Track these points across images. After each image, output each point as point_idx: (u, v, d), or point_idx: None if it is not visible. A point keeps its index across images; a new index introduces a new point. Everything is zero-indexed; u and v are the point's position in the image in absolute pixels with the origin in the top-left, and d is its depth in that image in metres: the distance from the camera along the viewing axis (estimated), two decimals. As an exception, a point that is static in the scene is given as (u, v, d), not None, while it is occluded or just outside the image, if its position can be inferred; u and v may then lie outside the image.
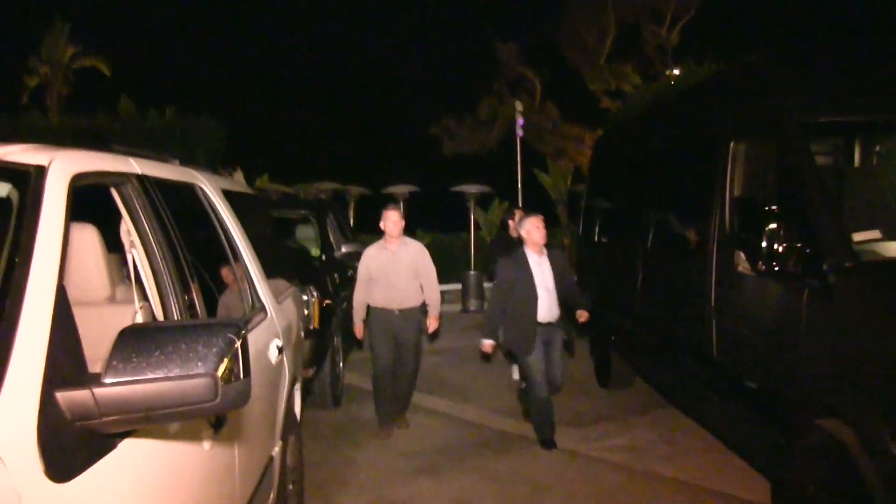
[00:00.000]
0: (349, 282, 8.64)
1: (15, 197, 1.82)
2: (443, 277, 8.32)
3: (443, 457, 5.74)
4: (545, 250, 6.01)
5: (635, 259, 6.54)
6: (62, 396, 1.47)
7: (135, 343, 1.57)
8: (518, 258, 5.91)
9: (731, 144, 4.78)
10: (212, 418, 2.29)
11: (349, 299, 8.82)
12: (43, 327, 1.52)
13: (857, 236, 3.76)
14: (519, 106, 17.87)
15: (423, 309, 6.39)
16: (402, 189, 15.79)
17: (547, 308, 5.84)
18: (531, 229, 5.92)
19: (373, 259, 6.26)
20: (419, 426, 6.52)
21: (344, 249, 8.64)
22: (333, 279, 7.83)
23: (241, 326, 1.67)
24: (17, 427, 1.34)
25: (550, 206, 19.87)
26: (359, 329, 6.44)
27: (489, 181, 17.58)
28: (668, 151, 6.22)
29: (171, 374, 1.54)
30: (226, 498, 2.48)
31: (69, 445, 1.47)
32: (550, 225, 19.83)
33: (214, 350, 1.58)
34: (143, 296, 2.40)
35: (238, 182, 6.47)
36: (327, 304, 6.87)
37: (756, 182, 4.54)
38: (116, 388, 1.51)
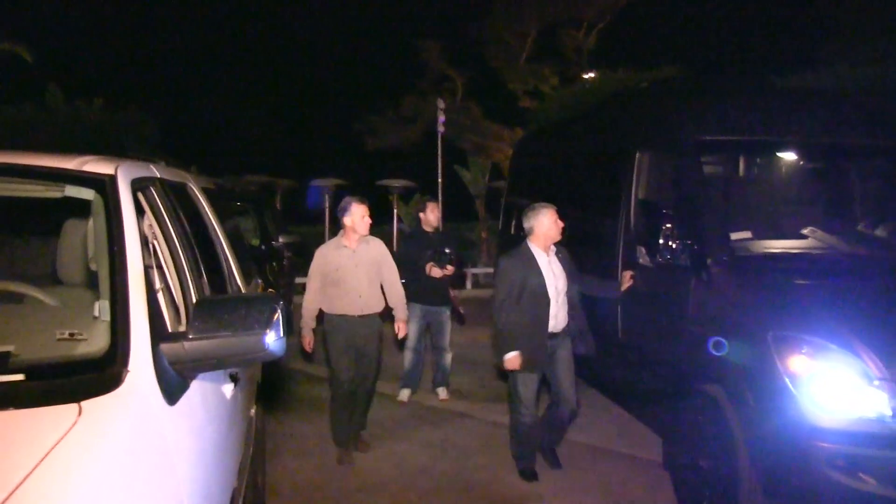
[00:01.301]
0: (285, 270, 9.18)
1: (97, 199, 2.38)
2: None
3: (381, 429, 6.37)
4: (554, 248, 5.15)
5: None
6: (164, 348, 2.05)
7: (208, 310, 2.16)
8: (524, 257, 5.03)
9: (637, 154, 5.57)
10: (235, 373, 2.89)
11: (286, 287, 9.36)
12: (142, 298, 2.10)
13: (734, 235, 4.58)
14: (441, 104, 18.54)
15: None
16: (328, 182, 16.27)
17: (555, 316, 5.02)
18: (550, 223, 5.03)
19: (330, 259, 5.45)
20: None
21: (281, 240, 9.17)
22: (273, 268, 8.36)
23: (280, 300, 2.29)
24: (144, 370, 1.93)
25: (470, 200, 20.72)
26: (308, 340, 5.52)
27: (411, 176, 18.26)
28: (583, 157, 6.98)
29: (235, 332, 2.14)
30: (242, 433, 3.08)
31: (171, 381, 2.05)
32: (470, 219, 20.60)
33: (265, 315, 2.18)
34: (163, 278, 2.96)
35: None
36: (270, 293, 7.41)
37: (656, 188, 5.34)
38: (198, 342, 2.10)
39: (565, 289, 5.06)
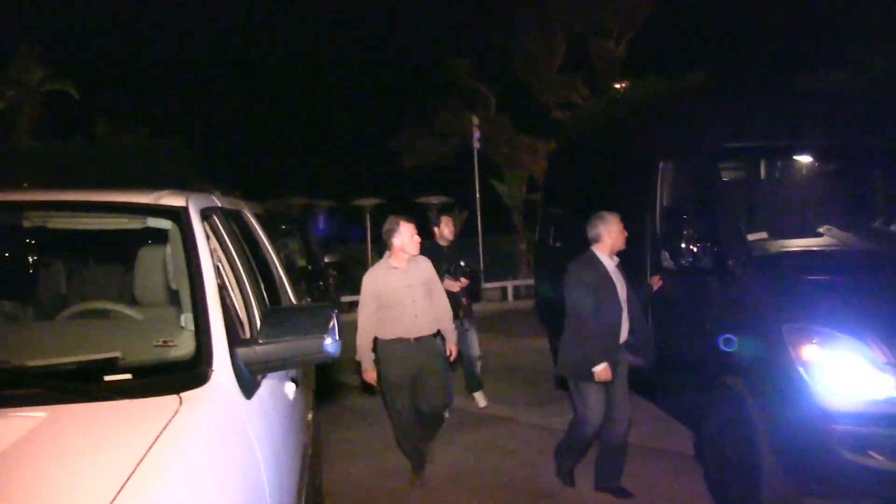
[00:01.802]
0: (332, 289, 9.62)
1: (174, 228, 2.79)
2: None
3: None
4: (616, 257, 5.10)
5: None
6: (240, 351, 2.44)
7: (274, 318, 2.55)
8: (594, 263, 4.97)
9: (661, 163, 5.87)
10: (295, 377, 3.28)
11: (333, 304, 9.79)
12: (219, 311, 2.49)
13: (751, 237, 4.86)
14: (475, 120, 18.97)
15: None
16: (368, 202, 16.71)
17: (623, 325, 4.96)
18: (618, 231, 5.02)
19: (381, 282, 5.25)
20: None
21: (327, 259, 9.61)
22: (320, 287, 8.80)
23: (333, 309, 2.67)
24: (225, 369, 2.31)
25: (507, 213, 21.05)
26: (372, 374, 5.29)
27: (448, 191, 18.67)
28: (611, 167, 7.29)
29: (298, 337, 2.52)
30: (303, 434, 3.46)
31: (246, 379, 2.43)
32: (508, 231, 20.89)
33: (322, 322, 2.56)
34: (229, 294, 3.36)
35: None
36: (324, 304, 7.81)
37: (679, 195, 5.64)
38: (267, 346, 2.48)
39: (627, 298, 4.99)
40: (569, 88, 22.61)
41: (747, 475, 4.46)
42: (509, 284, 17.77)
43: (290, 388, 3.14)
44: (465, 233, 18.50)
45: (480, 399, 7.52)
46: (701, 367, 4.96)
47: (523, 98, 23.27)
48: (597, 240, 5.02)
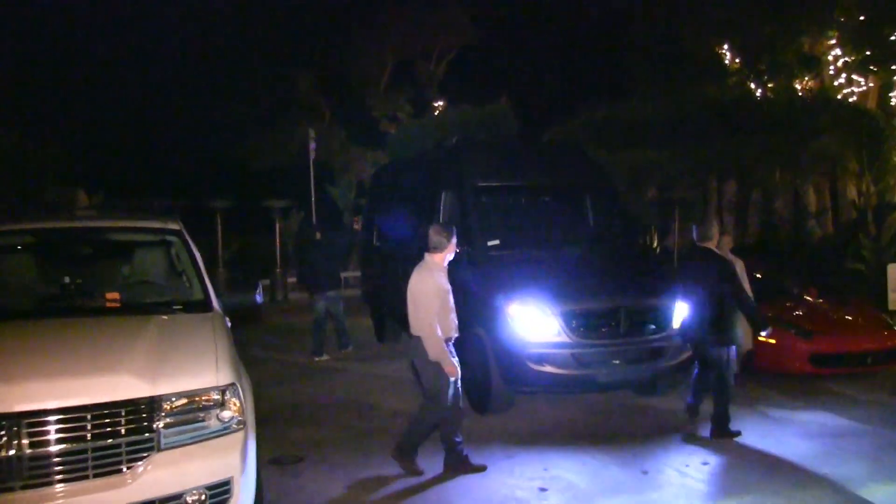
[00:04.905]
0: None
1: (178, 240, 5.55)
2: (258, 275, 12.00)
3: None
4: None
5: (394, 256, 10.62)
6: (216, 300, 5.26)
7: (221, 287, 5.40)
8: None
9: (443, 193, 9.00)
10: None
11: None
12: (208, 281, 5.29)
13: (489, 242, 8.06)
14: (312, 133, 21.63)
15: None
16: (220, 203, 18.89)
17: None
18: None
19: (442, 284, 5.84)
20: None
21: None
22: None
23: (259, 284, 5.56)
24: (217, 306, 5.14)
25: (340, 214, 24.01)
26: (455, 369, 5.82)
27: (290, 194, 21.29)
28: (415, 189, 10.37)
29: (237, 295, 5.39)
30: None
31: (221, 310, 5.25)
32: (340, 229, 23.75)
33: (246, 291, 5.45)
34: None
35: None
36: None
37: (453, 214, 8.79)
38: (223, 298, 5.34)
39: None
40: (395, 105, 25.88)
41: (483, 384, 7.61)
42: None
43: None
44: (301, 232, 21.29)
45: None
46: (461, 322, 8.13)
47: (356, 111, 26.25)
48: (708, 238, 6.99)
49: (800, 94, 18.59)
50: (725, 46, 20.00)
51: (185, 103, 26.42)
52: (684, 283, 7.13)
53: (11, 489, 3.34)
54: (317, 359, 10.58)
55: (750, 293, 7.28)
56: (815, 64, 18.40)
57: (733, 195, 18.38)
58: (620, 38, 21.83)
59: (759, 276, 9.54)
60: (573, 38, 26.84)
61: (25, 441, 3.37)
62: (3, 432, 3.35)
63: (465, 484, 5.63)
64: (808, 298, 9.79)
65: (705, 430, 6.76)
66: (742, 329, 7.62)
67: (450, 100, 25.60)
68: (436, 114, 24.75)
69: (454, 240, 5.99)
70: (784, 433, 6.78)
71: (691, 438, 6.71)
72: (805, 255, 14.91)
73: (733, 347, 6.88)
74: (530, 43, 28.28)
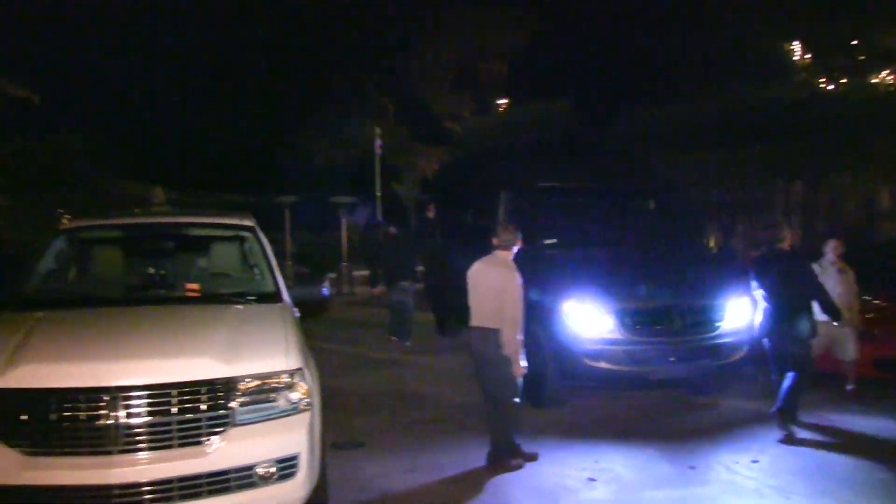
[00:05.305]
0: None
1: (251, 235, 5.95)
2: (325, 268, 12.51)
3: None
4: None
5: (457, 253, 10.93)
6: (285, 291, 5.64)
7: (301, 281, 5.79)
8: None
9: (503, 193, 9.26)
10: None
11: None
12: (279, 274, 5.67)
13: (546, 241, 8.30)
14: (378, 130, 22.19)
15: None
16: (287, 199, 19.58)
17: None
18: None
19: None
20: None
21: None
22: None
23: (325, 277, 5.94)
24: (287, 298, 5.51)
25: (404, 210, 24.47)
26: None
27: (352, 191, 21.88)
28: (477, 188, 10.67)
29: (307, 287, 5.76)
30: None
31: (290, 301, 5.62)
32: (405, 225, 24.31)
33: (315, 283, 5.81)
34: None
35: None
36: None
37: (513, 213, 9.04)
38: (293, 290, 5.72)
39: None
40: (458, 103, 26.27)
41: (539, 379, 7.84)
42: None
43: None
44: (367, 227, 21.83)
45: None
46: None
47: (420, 110, 26.73)
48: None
49: (877, 90, 18.19)
50: (795, 43, 19.70)
51: (256, 104, 27.32)
52: (762, 281, 7.18)
53: (110, 452, 3.75)
54: (407, 343, 11.13)
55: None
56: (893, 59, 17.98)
57: (800, 196, 18.12)
58: (684, 37, 21.72)
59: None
60: (636, 38, 26.77)
61: (121, 413, 3.77)
62: (102, 404, 3.76)
63: (518, 471, 5.89)
64: (877, 302, 9.69)
65: (761, 430, 6.86)
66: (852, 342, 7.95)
67: (513, 98, 25.82)
68: (499, 112, 24.98)
69: (520, 238, 6.29)
70: (841, 436, 6.82)
71: (744, 437, 6.81)
72: (878, 259, 14.59)
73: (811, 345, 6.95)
74: (592, 43, 28.29)
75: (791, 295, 6.90)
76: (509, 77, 28.04)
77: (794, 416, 6.80)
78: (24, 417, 3.78)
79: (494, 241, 6.25)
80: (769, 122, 16.16)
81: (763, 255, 7.44)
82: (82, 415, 3.78)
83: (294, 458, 4.12)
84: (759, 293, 7.21)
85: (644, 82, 24.85)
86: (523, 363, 5.98)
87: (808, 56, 19.47)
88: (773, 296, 6.99)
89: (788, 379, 6.83)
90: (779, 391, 7.03)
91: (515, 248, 6.22)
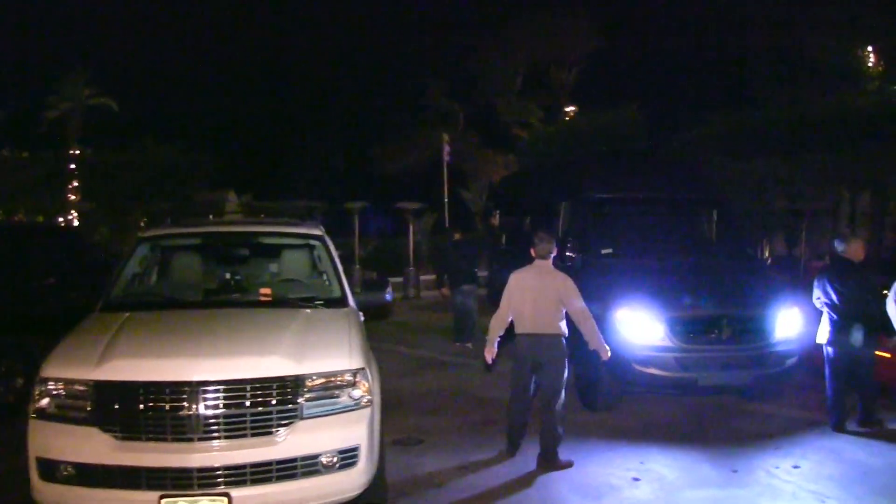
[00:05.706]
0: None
1: (320, 243, 6.44)
2: (392, 272, 12.96)
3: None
4: None
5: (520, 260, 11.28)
6: (351, 296, 6.09)
7: (368, 286, 6.24)
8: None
9: (563, 203, 9.58)
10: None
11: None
12: (345, 280, 6.12)
13: (603, 251, 8.57)
14: (445, 137, 22.61)
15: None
16: (356, 205, 20.18)
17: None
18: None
19: None
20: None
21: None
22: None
23: (387, 282, 6.38)
24: (352, 303, 5.96)
25: (471, 216, 24.89)
26: None
27: (418, 196, 22.37)
28: (539, 198, 11.00)
29: (372, 292, 6.21)
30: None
31: (356, 305, 6.07)
32: (471, 231, 24.89)
33: (381, 287, 6.25)
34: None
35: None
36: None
37: (572, 223, 9.35)
38: (359, 296, 6.16)
39: None
40: (526, 110, 26.53)
41: (592, 383, 8.13)
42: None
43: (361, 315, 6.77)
44: (434, 232, 22.31)
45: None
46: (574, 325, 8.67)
47: (488, 117, 27.14)
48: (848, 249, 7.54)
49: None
50: (868, 50, 19.34)
51: (326, 112, 28.19)
52: (826, 291, 7.41)
53: (191, 440, 4.24)
54: (469, 345, 11.52)
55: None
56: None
57: (868, 206, 17.80)
58: (749, 45, 21.56)
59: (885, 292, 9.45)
60: (702, 45, 26.64)
61: (201, 404, 4.26)
62: (185, 396, 4.26)
63: (565, 470, 6.21)
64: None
65: (805, 436, 7.06)
66: None
67: (581, 106, 25.96)
68: (567, 119, 25.15)
69: (556, 247, 6.82)
70: (887, 446, 6.91)
71: (788, 443, 6.97)
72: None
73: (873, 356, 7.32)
74: (660, 50, 28.25)
75: (856, 306, 7.16)
76: (578, 84, 28.19)
77: (879, 421, 7.24)
78: (115, 406, 4.32)
79: (532, 251, 6.71)
80: (839, 129, 15.94)
81: (828, 265, 7.62)
82: (166, 405, 4.28)
83: (355, 449, 4.53)
84: (819, 302, 7.46)
85: (711, 89, 24.74)
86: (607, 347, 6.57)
87: (881, 64, 19.08)
88: (838, 306, 7.24)
89: (857, 391, 7.28)
90: (831, 400, 7.24)
91: (552, 256, 6.68)
